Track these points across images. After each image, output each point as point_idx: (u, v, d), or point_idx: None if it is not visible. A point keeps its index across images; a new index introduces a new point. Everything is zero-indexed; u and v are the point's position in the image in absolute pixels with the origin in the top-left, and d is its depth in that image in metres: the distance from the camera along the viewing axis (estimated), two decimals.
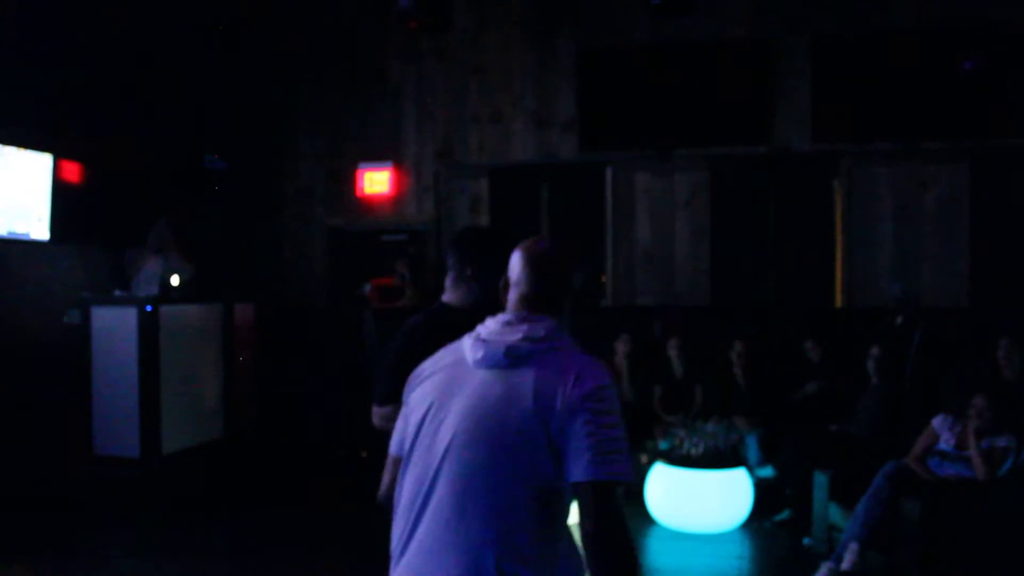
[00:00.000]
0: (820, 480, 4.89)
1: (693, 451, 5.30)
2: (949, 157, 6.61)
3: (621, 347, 6.68)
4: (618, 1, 7.03)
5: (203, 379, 6.24)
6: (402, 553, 1.65)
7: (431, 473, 1.63)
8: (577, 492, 1.55)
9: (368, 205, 7.67)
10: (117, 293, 5.93)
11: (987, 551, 4.07)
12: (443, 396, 1.68)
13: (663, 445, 5.90)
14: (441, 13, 5.93)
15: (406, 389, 1.82)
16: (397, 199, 7.61)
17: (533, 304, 1.74)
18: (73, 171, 6.23)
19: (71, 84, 6.19)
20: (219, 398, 6.41)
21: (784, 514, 5.32)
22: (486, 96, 7.43)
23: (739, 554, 4.93)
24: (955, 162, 6.61)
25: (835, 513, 4.69)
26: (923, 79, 6.56)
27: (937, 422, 4.54)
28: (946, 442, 4.47)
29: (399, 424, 1.81)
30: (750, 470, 5.53)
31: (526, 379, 1.60)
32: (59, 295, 6.04)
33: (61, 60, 6.09)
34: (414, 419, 1.72)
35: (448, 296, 2.63)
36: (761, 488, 5.53)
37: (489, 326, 1.72)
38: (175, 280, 5.99)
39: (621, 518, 1.53)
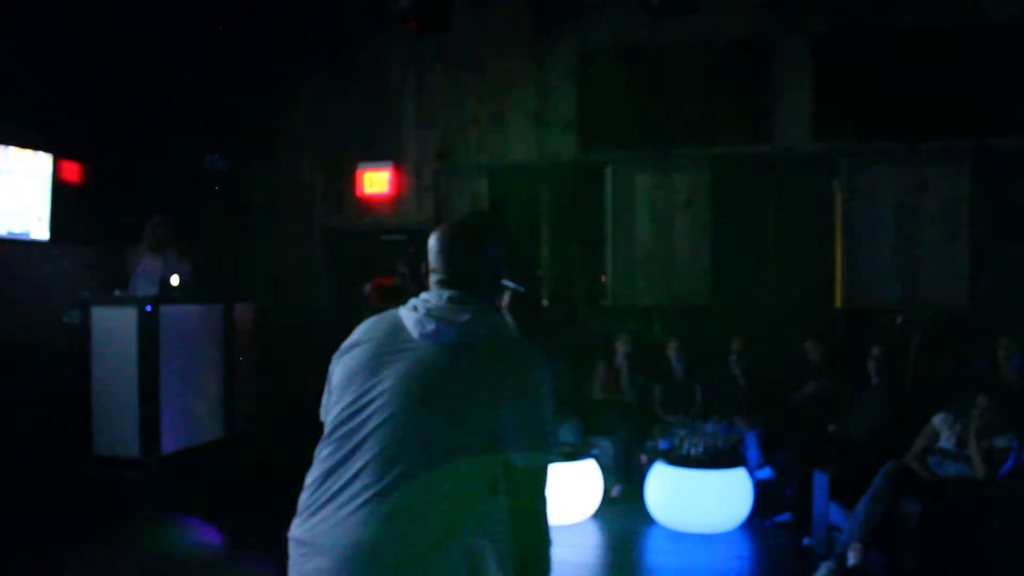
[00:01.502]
0: (820, 480, 4.88)
1: (693, 451, 5.30)
2: (949, 157, 6.61)
3: (621, 347, 6.68)
4: (618, 1, 7.03)
5: (203, 379, 6.23)
6: (317, 511, 1.63)
7: (357, 438, 1.62)
8: (510, 470, 1.65)
9: (368, 205, 7.67)
10: (117, 293, 5.93)
11: (987, 551, 4.07)
12: (374, 364, 1.69)
13: (663, 445, 5.90)
14: (441, 13, 5.93)
15: (333, 358, 1.81)
16: (397, 199, 7.61)
17: (451, 283, 1.76)
18: (73, 171, 6.24)
19: (71, 84, 6.19)
20: (219, 398, 6.40)
21: (784, 516, 5.31)
22: (486, 96, 7.43)
23: (739, 554, 4.93)
24: (955, 162, 6.61)
25: (835, 513, 4.69)
26: (923, 79, 6.56)
27: (938, 420, 4.54)
28: (947, 440, 4.47)
29: (325, 394, 1.81)
30: (750, 470, 5.54)
31: (475, 359, 1.66)
32: (59, 295, 6.04)
33: (61, 60, 6.09)
34: (336, 385, 1.74)
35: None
36: (761, 488, 5.53)
37: (433, 301, 1.73)
38: (175, 280, 5.99)
39: (546, 498, 1.69)
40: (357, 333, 1.81)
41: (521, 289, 2.34)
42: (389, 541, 1.54)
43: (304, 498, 1.68)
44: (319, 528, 1.61)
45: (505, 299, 2.37)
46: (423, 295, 1.78)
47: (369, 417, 1.63)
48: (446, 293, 1.74)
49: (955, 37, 6.51)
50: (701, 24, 6.75)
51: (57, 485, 5.53)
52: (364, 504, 1.56)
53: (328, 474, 1.63)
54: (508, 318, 2.36)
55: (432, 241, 1.82)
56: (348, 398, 1.68)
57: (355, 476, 1.59)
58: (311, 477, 1.68)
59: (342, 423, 1.66)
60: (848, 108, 6.72)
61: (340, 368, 1.76)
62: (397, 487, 1.56)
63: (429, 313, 1.70)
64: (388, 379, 1.65)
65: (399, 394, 1.63)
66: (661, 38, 7.01)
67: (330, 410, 1.74)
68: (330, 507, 1.60)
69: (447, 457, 1.58)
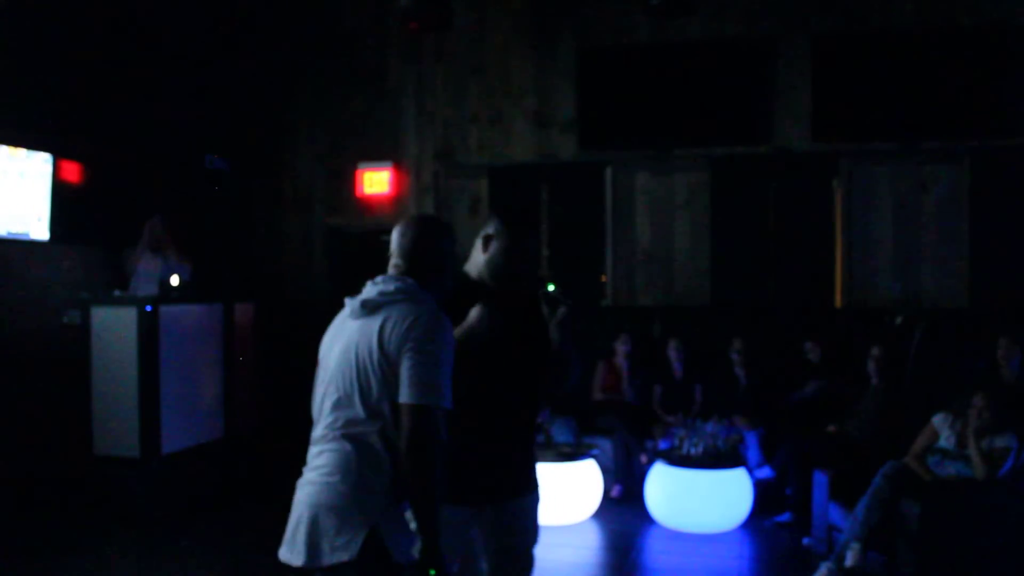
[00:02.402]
0: (820, 480, 4.89)
1: (693, 451, 5.31)
2: (949, 157, 6.61)
3: (621, 347, 6.68)
4: (618, 1, 7.03)
5: (203, 379, 6.23)
6: (310, 459, 2.17)
7: (321, 395, 2.17)
8: (401, 411, 2.00)
9: (368, 205, 7.67)
10: (117, 293, 5.93)
11: (987, 551, 4.07)
12: (330, 342, 2.23)
13: (663, 445, 5.90)
14: (441, 13, 5.93)
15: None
16: (397, 199, 7.61)
17: (401, 269, 2.22)
18: (73, 171, 6.23)
19: (71, 84, 6.19)
20: (219, 398, 6.40)
21: (784, 516, 5.32)
22: (486, 96, 7.43)
23: (739, 554, 4.93)
24: (955, 162, 6.61)
25: (835, 513, 4.69)
26: (923, 79, 6.56)
27: (938, 420, 4.54)
28: (947, 440, 4.47)
29: None
30: (750, 470, 5.54)
31: (376, 322, 2.09)
32: (59, 295, 6.04)
33: (61, 60, 6.09)
34: (320, 360, 2.25)
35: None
36: (761, 488, 5.53)
37: (370, 284, 2.18)
38: (175, 280, 5.98)
39: (433, 436, 1.99)
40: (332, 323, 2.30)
41: (569, 302, 2.45)
42: (335, 466, 2.05)
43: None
44: (308, 468, 2.15)
45: (561, 313, 2.46)
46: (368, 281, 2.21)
47: (327, 382, 2.17)
48: (386, 276, 2.20)
49: (954, 37, 6.52)
50: (701, 24, 6.76)
51: (57, 486, 5.53)
52: (325, 449, 2.09)
53: (315, 433, 2.17)
54: (555, 334, 2.48)
55: (393, 232, 2.28)
56: (320, 366, 2.23)
57: (321, 425, 2.14)
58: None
59: (317, 388, 2.21)
60: (848, 108, 6.73)
61: (321, 348, 2.29)
62: (341, 432, 2.07)
63: (359, 295, 2.17)
64: (334, 351, 2.17)
65: (335, 361, 2.15)
66: (661, 38, 7.01)
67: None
68: (312, 452, 2.15)
69: (375, 400, 2.04)
